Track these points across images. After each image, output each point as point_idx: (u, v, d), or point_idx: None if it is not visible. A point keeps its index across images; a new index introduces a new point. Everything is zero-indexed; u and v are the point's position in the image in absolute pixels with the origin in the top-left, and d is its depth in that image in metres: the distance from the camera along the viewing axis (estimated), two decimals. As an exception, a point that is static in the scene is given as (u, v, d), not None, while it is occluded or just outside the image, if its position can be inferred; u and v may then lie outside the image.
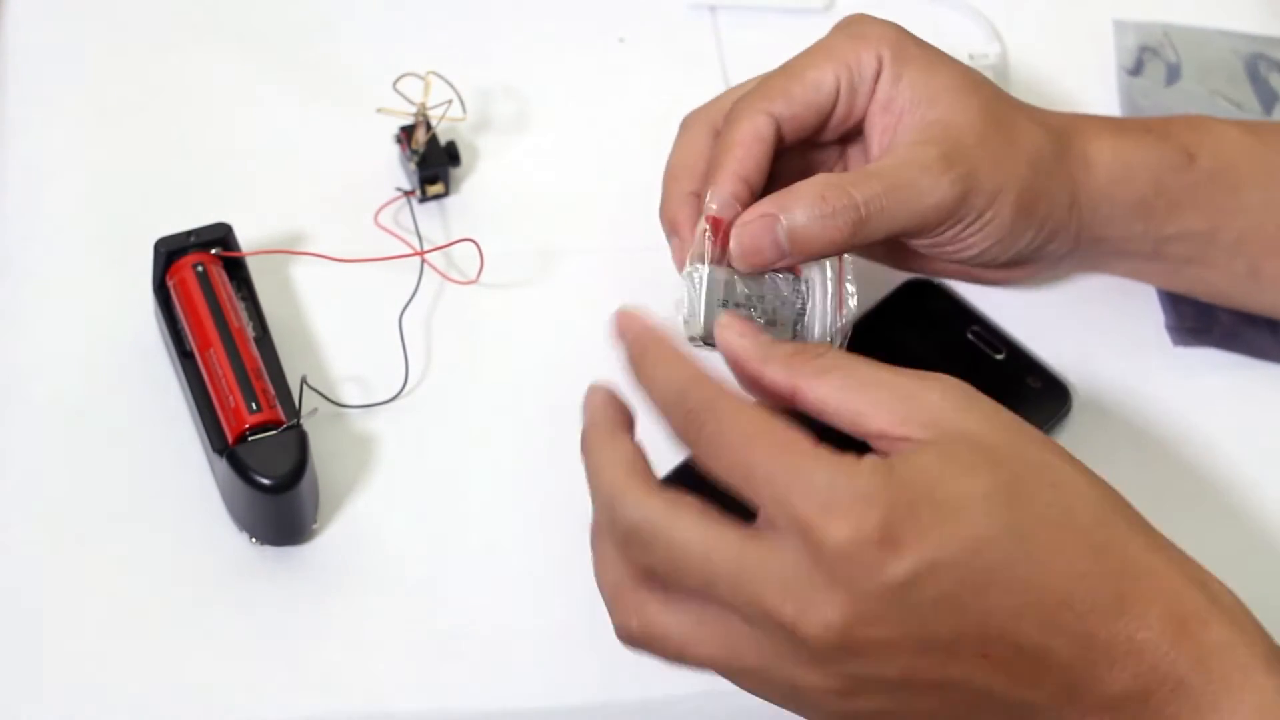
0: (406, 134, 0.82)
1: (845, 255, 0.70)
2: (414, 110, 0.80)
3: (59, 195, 0.81)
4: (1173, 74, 0.90)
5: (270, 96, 0.86)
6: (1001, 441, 0.59)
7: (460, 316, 0.79)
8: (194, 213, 0.76)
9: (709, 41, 0.90)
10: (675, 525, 0.57)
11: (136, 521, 0.73)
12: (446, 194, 0.83)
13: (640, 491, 0.58)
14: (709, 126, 0.73)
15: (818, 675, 0.57)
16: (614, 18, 0.91)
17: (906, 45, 0.72)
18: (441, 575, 0.72)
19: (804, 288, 0.70)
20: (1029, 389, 0.78)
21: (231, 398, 0.71)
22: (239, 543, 0.72)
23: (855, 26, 0.73)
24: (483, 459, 0.76)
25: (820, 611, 0.55)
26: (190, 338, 0.73)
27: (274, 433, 0.70)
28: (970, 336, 0.80)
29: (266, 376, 0.72)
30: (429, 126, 0.81)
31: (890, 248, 0.75)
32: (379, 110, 0.81)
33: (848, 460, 0.56)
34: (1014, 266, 0.76)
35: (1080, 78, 0.90)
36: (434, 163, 0.82)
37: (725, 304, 0.68)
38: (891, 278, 0.80)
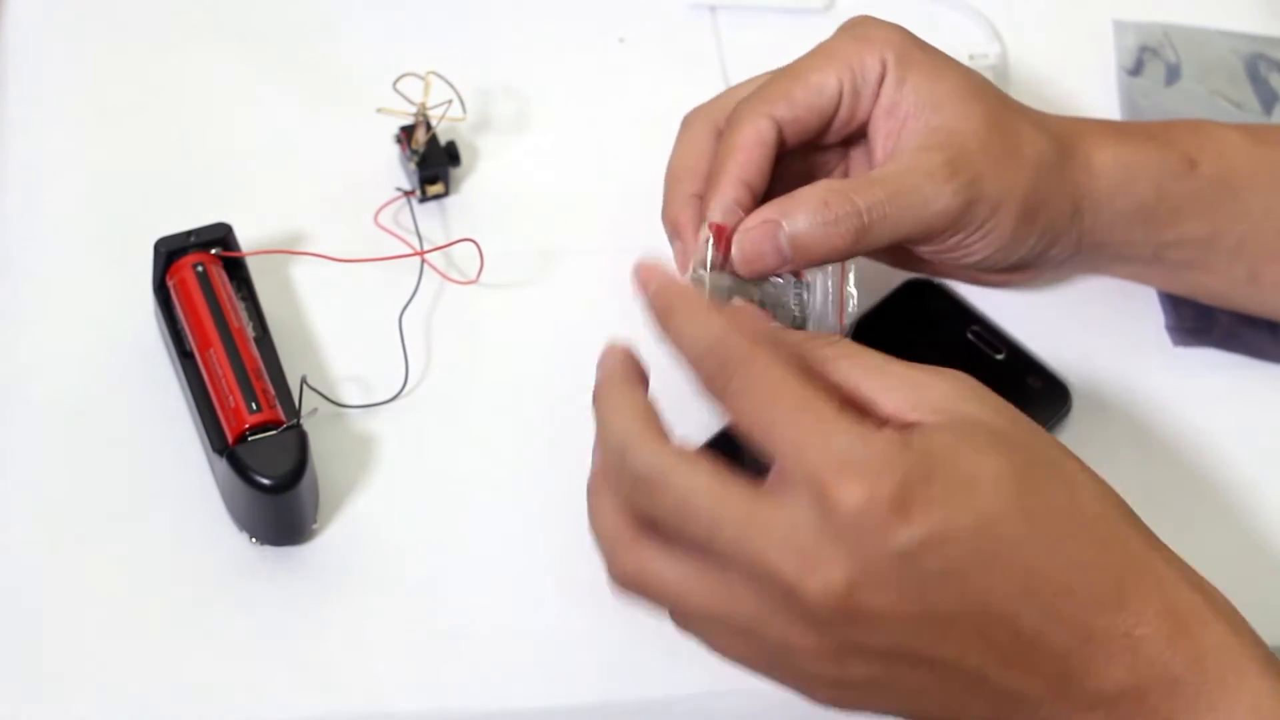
0: (406, 134, 0.82)
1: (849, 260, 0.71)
2: (414, 110, 0.80)
3: (59, 195, 0.81)
4: (1173, 74, 0.90)
5: (270, 96, 0.86)
6: (1012, 431, 0.59)
7: (460, 316, 0.79)
8: (194, 213, 0.76)
9: (709, 41, 0.90)
10: (686, 474, 0.58)
11: (136, 521, 0.73)
12: (446, 194, 0.83)
13: (654, 441, 0.59)
14: (710, 125, 0.73)
15: (811, 637, 0.57)
16: (614, 18, 0.91)
17: (911, 49, 0.72)
18: (441, 575, 0.72)
19: (805, 293, 0.70)
20: (1029, 389, 0.78)
21: (231, 398, 0.71)
22: (239, 543, 0.72)
23: (859, 29, 0.72)
24: (483, 459, 0.76)
25: (824, 572, 0.56)
26: (190, 338, 0.73)
27: (274, 433, 0.70)
28: (970, 336, 0.80)
29: (266, 376, 0.72)
30: (429, 126, 0.81)
31: (891, 250, 0.75)
32: (379, 110, 0.81)
33: (868, 427, 0.57)
34: (1015, 270, 0.76)
35: (1080, 78, 0.90)
36: (434, 163, 0.82)
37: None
38: (891, 278, 0.81)
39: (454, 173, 0.83)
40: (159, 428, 0.75)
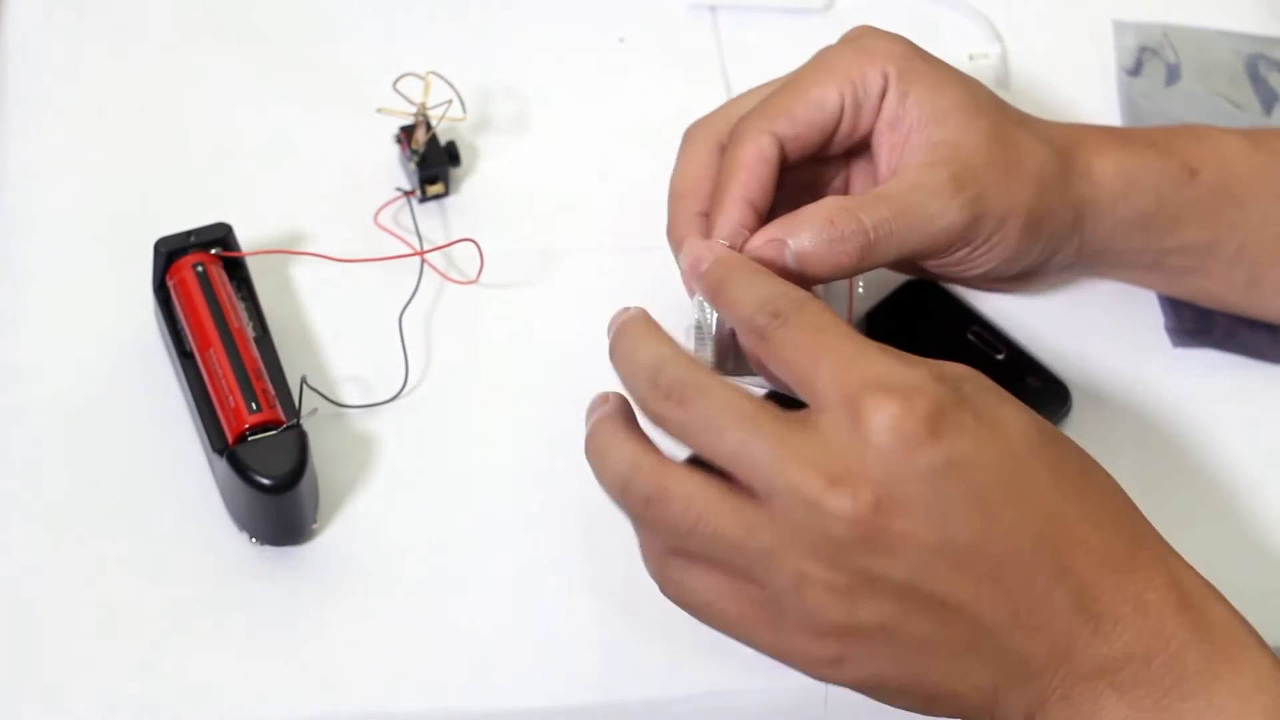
0: (406, 134, 0.82)
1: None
2: (414, 110, 0.80)
3: (59, 195, 0.81)
4: (1172, 74, 0.90)
5: (270, 96, 0.86)
6: (1029, 410, 0.62)
7: (460, 316, 0.79)
8: (194, 213, 0.76)
9: (709, 41, 0.90)
10: (723, 389, 0.60)
11: (136, 522, 0.73)
12: (446, 194, 0.83)
13: (690, 359, 0.62)
14: (712, 140, 0.73)
15: (825, 567, 0.58)
16: (614, 18, 0.90)
17: (913, 61, 0.71)
18: (441, 575, 0.72)
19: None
20: (1029, 389, 0.78)
21: (231, 398, 0.71)
22: (239, 543, 0.72)
23: (860, 40, 0.72)
24: (483, 459, 0.76)
25: (850, 487, 0.57)
26: (190, 338, 0.73)
27: (274, 433, 0.70)
28: (970, 336, 0.80)
29: (266, 376, 0.72)
30: (429, 126, 0.81)
31: (896, 262, 0.76)
32: (379, 110, 0.81)
33: (907, 358, 0.60)
34: (1015, 279, 0.76)
35: (1080, 78, 0.90)
36: (434, 163, 0.82)
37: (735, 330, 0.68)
38: (892, 277, 0.81)
39: (454, 173, 0.83)
40: (159, 428, 0.75)
